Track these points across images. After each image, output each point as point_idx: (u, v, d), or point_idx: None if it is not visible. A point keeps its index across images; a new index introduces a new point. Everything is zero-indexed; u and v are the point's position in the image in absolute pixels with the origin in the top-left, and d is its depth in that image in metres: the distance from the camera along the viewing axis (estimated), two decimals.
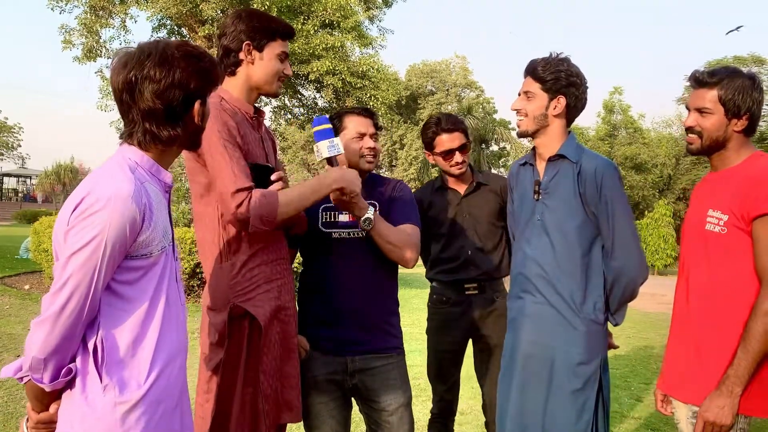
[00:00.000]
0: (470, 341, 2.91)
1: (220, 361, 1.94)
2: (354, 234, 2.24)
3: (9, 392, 4.23)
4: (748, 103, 1.85)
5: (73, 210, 1.35)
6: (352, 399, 2.33)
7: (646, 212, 23.42)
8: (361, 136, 2.27)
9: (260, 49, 2.04)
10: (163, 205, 1.49)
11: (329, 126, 2.05)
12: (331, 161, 2.03)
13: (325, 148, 2.01)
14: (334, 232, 2.24)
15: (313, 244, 2.28)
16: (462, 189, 2.87)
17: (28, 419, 1.47)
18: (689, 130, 1.94)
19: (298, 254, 2.45)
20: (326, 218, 2.26)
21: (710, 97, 1.89)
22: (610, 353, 2.32)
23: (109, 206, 1.32)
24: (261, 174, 1.97)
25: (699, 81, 1.92)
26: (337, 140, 2.03)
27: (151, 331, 1.43)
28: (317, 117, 2.06)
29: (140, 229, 1.38)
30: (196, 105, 1.47)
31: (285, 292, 2.08)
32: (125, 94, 1.43)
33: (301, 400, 2.26)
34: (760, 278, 1.76)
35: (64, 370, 1.36)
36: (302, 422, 2.31)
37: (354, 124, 2.28)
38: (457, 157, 2.77)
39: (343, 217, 2.24)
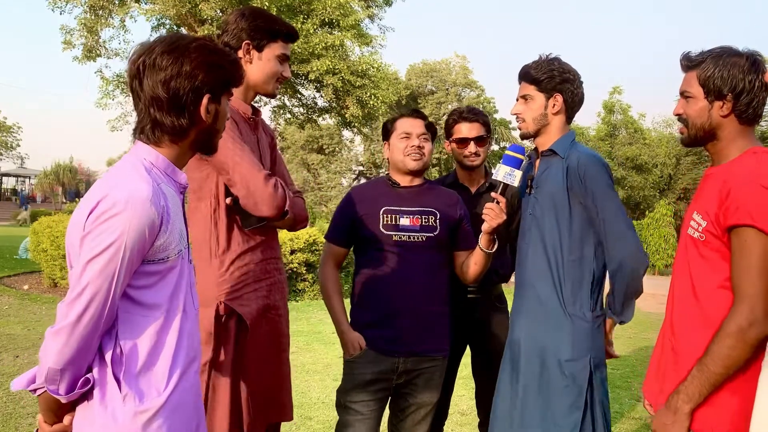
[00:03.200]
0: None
1: (208, 360, 1.92)
2: (415, 237, 2.30)
3: (8, 392, 4.21)
4: (731, 83, 1.62)
5: (89, 213, 1.27)
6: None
7: (647, 212, 23.38)
8: (408, 135, 2.34)
9: (260, 50, 2.02)
10: (179, 207, 1.43)
11: (520, 157, 2.14)
12: (505, 185, 2.13)
13: (503, 172, 2.13)
14: (395, 235, 2.29)
15: (372, 246, 2.32)
16: (473, 187, 2.85)
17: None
18: (679, 119, 1.79)
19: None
20: (387, 221, 2.30)
21: (692, 78, 1.71)
22: None
23: (129, 209, 1.25)
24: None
25: (683, 64, 1.76)
26: (517, 173, 2.12)
27: (170, 337, 1.38)
28: (516, 145, 2.16)
29: (158, 232, 1.31)
30: (204, 99, 1.40)
31: (275, 291, 2.07)
32: (135, 82, 1.38)
33: (342, 395, 2.31)
34: (734, 294, 1.57)
35: (81, 381, 1.30)
36: (338, 416, 2.35)
37: (402, 124, 2.35)
38: (471, 146, 2.75)
39: (404, 221, 2.31)
